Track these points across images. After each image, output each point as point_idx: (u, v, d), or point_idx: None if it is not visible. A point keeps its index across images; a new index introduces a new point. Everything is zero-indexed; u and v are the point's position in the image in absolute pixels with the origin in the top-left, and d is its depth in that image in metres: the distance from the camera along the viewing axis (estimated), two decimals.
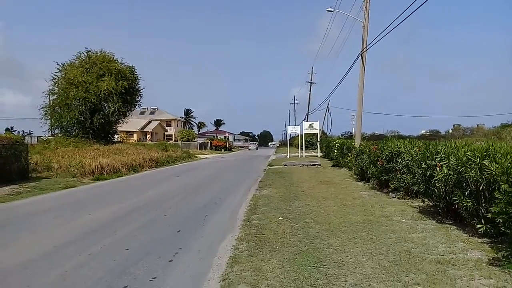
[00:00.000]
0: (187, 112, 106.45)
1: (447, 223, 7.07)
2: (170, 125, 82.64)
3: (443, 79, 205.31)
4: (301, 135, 36.97)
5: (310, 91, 61.84)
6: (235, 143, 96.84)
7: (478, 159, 5.89)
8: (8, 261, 5.70)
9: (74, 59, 34.85)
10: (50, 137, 35.23)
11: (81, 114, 32.44)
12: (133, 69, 36.13)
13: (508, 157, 5.37)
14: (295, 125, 51.90)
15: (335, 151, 23.71)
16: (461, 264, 4.85)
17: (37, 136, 46.94)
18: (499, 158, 5.56)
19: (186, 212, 9.54)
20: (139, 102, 38.61)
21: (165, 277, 4.88)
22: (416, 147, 9.17)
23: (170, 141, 63.13)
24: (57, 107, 33.51)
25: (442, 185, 6.81)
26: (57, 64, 34.05)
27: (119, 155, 24.30)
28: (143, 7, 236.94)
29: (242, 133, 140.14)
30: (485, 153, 6.03)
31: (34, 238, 7.13)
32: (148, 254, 5.86)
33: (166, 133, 79.72)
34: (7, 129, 69.27)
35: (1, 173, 14.25)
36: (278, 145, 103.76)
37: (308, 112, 61.23)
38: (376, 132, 71.77)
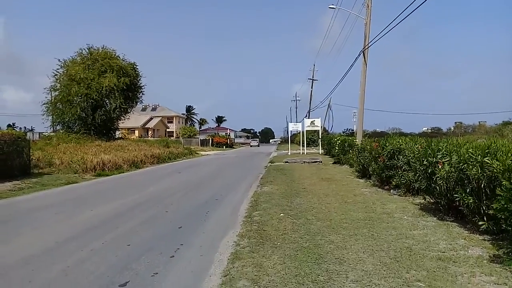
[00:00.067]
0: (189, 109, 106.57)
1: (448, 220, 7.06)
2: (171, 122, 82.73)
3: (445, 76, 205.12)
4: (303, 132, 36.99)
5: (311, 88, 61.75)
6: (237, 140, 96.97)
7: (479, 156, 5.89)
8: (10, 256, 5.72)
9: (75, 56, 34.99)
10: (52, 133, 35.32)
11: (82, 110, 32.52)
12: (134, 66, 36.22)
13: (510, 154, 5.36)
14: (296, 122, 51.67)
15: (337, 148, 23.70)
16: (462, 261, 4.85)
17: (39, 132, 47.07)
18: (501, 155, 5.55)
19: (187, 208, 9.56)
20: (140, 99, 38.77)
21: (166, 272, 4.90)
22: (418, 144, 9.16)
23: (172, 138, 63.20)
24: (59, 104, 33.60)
25: (444, 182, 6.80)
26: (59, 60, 34.15)
27: (120, 151, 24.35)
28: (144, 3, 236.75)
29: (243, 130, 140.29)
30: (486, 151, 6.02)
31: (36, 233, 7.15)
32: (149, 250, 5.88)
33: (167, 130, 79.83)
34: (9, 126, 69.43)
35: (3, 169, 14.30)
36: (279, 142, 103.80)
37: (309, 109, 61.19)
38: (377, 129, 71.64)
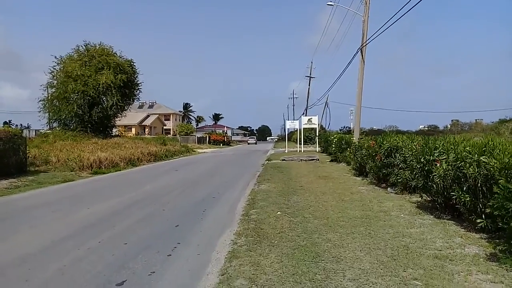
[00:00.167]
0: (186, 106, 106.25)
1: (445, 218, 7.09)
2: (168, 119, 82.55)
3: (442, 74, 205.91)
4: (300, 130, 36.96)
5: (309, 85, 61.74)
6: (234, 138, 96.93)
7: (476, 155, 5.91)
8: (6, 255, 5.70)
9: (72, 52, 34.73)
10: (48, 131, 35.10)
11: (79, 107, 32.32)
12: (131, 63, 35.99)
13: (507, 152, 5.37)
14: (293, 120, 51.70)
15: (333, 146, 23.72)
16: (459, 259, 4.86)
17: (35, 130, 46.75)
18: (497, 153, 5.57)
19: (184, 206, 9.54)
20: (137, 96, 38.56)
21: (163, 271, 4.89)
22: (416, 142, 9.18)
23: (169, 135, 63.12)
24: (55, 100, 33.38)
25: (441, 180, 6.82)
26: (55, 57, 33.94)
27: (117, 149, 24.26)
28: (143, 1, 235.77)
29: (240, 128, 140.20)
30: (483, 148, 6.05)
31: (32, 232, 7.12)
32: (146, 249, 5.86)
33: (164, 127, 79.64)
34: (5, 123, 69.20)
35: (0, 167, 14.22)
36: (276, 139, 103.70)
37: (307, 107, 61.19)
38: (374, 127, 72.04)
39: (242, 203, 9.52)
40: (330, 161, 22.36)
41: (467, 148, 6.32)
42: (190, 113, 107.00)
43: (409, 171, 8.92)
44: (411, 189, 9.57)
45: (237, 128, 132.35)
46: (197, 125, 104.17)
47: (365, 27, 20.27)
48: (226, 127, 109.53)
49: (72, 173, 17.14)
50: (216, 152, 42.96)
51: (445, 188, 6.86)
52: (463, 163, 6.16)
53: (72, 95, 32.37)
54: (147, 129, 71.41)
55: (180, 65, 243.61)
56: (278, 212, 8.03)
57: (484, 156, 5.71)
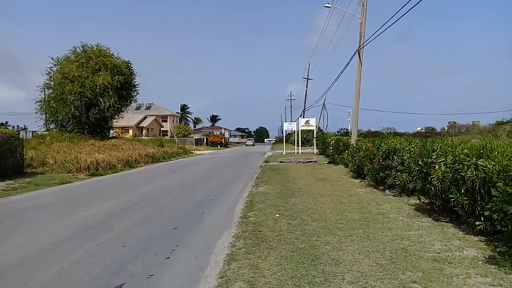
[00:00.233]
0: (183, 108, 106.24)
1: (443, 221, 7.10)
2: (166, 121, 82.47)
3: (441, 75, 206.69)
4: (297, 132, 37.02)
5: (306, 87, 61.83)
6: (231, 139, 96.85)
7: (474, 158, 5.92)
8: (4, 257, 5.67)
9: (69, 54, 34.69)
10: (45, 132, 35.04)
11: (76, 109, 32.27)
12: (129, 64, 36.01)
13: (505, 155, 5.39)
14: (291, 122, 51.65)
15: (331, 148, 23.75)
16: (458, 262, 4.87)
17: (32, 131, 46.62)
18: (495, 156, 5.59)
19: (182, 208, 9.52)
20: (135, 97, 38.60)
21: (162, 274, 4.87)
22: (414, 145, 9.19)
23: (166, 137, 63.05)
24: (52, 102, 33.32)
25: (439, 182, 6.83)
26: (52, 58, 33.87)
27: (114, 150, 24.20)
28: (141, 1, 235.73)
29: (238, 129, 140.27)
30: (481, 151, 6.07)
31: (30, 234, 7.08)
32: (145, 251, 5.85)
33: (162, 129, 79.58)
34: (1, 124, 68.84)
35: None
36: (274, 141, 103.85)
37: (304, 109, 61.27)
38: (372, 129, 72.04)
39: (240, 205, 9.51)
40: (328, 163, 22.38)
41: (464, 151, 6.34)
42: (188, 115, 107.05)
43: (407, 174, 8.95)
44: (409, 191, 9.58)
45: (234, 130, 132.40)
46: (194, 126, 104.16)
47: (362, 29, 20.33)
48: (224, 128, 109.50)
49: (69, 174, 17.07)
50: (214, 154, 42.93)
51: (443, 190, 6.88)
52: (461, 165, 6.17)
53: (69, 97, 32.33)
54: (145, 131, 71.32)
55: (177, 67, 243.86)
56: (277, 215, 8.02)
57: (481, 159, 5.73)
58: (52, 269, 5.07)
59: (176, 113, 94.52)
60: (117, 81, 32.93)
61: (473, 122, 66.00)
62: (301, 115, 58.45)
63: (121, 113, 37.23)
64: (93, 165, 18.70)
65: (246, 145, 80.00)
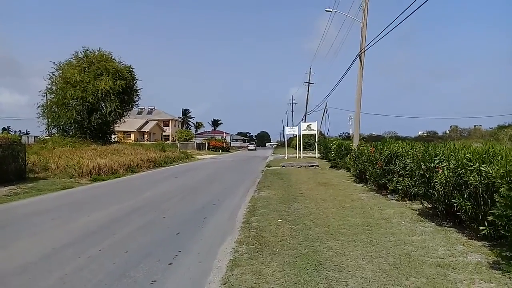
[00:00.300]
0: (185, 112, 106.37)
1: (446, 226, 7.07)
2: (167, 125, 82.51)
3: (442, 78, 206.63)
4: (299, 136, 36.97)
5: (308, 91, 61.76)
6: (233, 144, 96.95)
7: (477, 163, 5.91)
8: (6, 263, 5.67)
9: (71, 58, 34.84)
10: (47, 137, 35.05)
11: (78, 113, 32.34)
12: (130, 69, 36.11)
13: (508, 160, 5.38)
14: (293, 126, 51.78)
15: (333, 152, 23.73)
16: (461, 268, 4.85)
17: (34, 136, 46.63)
18: (498, 160, 5.57)
19: (185, 213, 9.51)
20: (136, 102, 38.66)
21: (165, 280, 4.86)
22: (415, 149, 9.18)
23: (168, 142, 63.13)
24: (54, 107, 33.43)
25: (442, 187, 6.81)
26: (54, 63, 34.00)
27: (116, 155, 24.25)
28: (142, 5, 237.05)
29: (239, 134, 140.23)
30: (484, 155, 6.05)
31: (32, 239, 7.09)
32: (147, 257, 5.84)
33: (163, 133, 79.59)
34: (3, 129, 69.10)
35: None
36: (275, 145, 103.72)
37: (306, 113, 61.22)
38: (374, 133, 72.11)
39: (242, 210, 9.49)
40: (329, 168, 22.36)
41: (467, 155, 6.32)
42: (189, 119, 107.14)
43: (409, 178, 8.93)
44: (411, 196, 9.56)
45: (236, 134, 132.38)
46: (196, 131, 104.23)
47: (363, 33, 20.34)
48: (225, 133, 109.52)
49: (71, 180, 17.11)
50: (216, 158, 42.96)
51: (446, 195, 6.85)
52: (463, 170, 6.16)
53: (71, 101, 32.41)
54: (146, 135, 71.35)
55: (179, 71, 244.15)
56: (279, 220, 8.00)
57: (484, 165, 5.71)
58: (55, 275, 5.06)
59: (178, 117, 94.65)
60: (119, 86, 33.02)
61: (475, 126, 66.07)
62: (302, 119, 58.42)
63: (123, 117, 37.30)
64: (95, 170, 18.75)
65: (248, 150, 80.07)
